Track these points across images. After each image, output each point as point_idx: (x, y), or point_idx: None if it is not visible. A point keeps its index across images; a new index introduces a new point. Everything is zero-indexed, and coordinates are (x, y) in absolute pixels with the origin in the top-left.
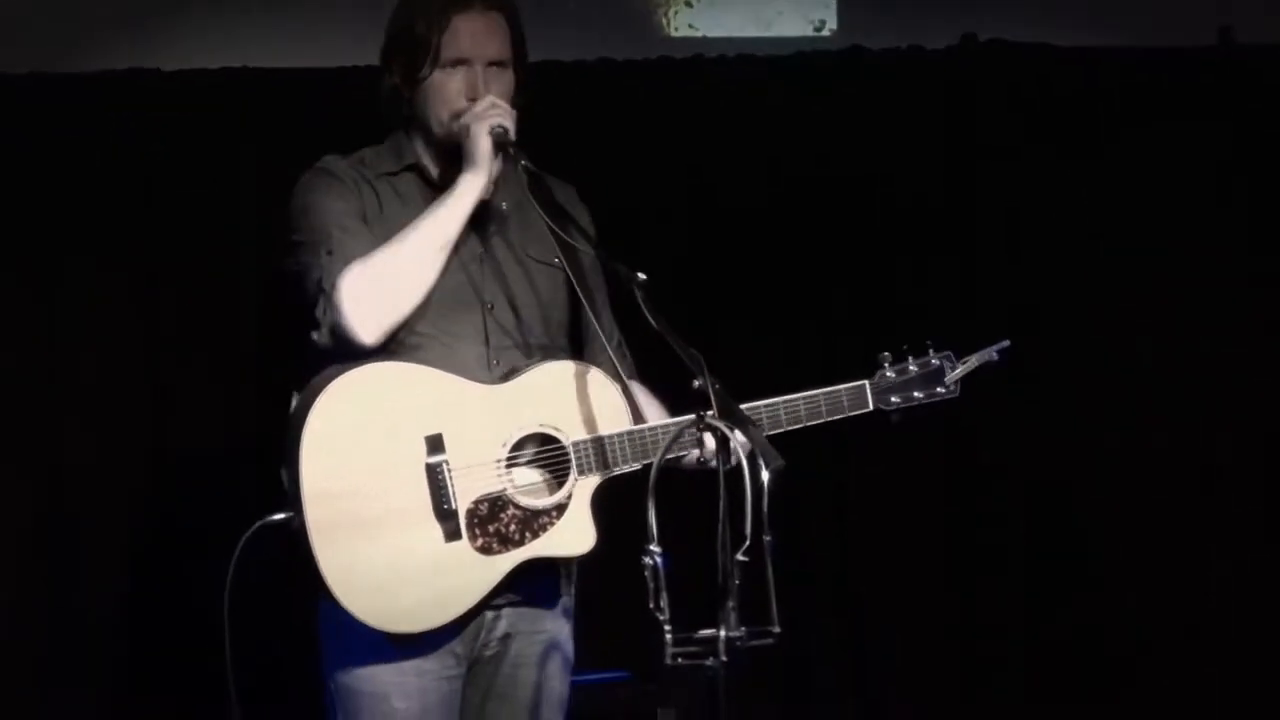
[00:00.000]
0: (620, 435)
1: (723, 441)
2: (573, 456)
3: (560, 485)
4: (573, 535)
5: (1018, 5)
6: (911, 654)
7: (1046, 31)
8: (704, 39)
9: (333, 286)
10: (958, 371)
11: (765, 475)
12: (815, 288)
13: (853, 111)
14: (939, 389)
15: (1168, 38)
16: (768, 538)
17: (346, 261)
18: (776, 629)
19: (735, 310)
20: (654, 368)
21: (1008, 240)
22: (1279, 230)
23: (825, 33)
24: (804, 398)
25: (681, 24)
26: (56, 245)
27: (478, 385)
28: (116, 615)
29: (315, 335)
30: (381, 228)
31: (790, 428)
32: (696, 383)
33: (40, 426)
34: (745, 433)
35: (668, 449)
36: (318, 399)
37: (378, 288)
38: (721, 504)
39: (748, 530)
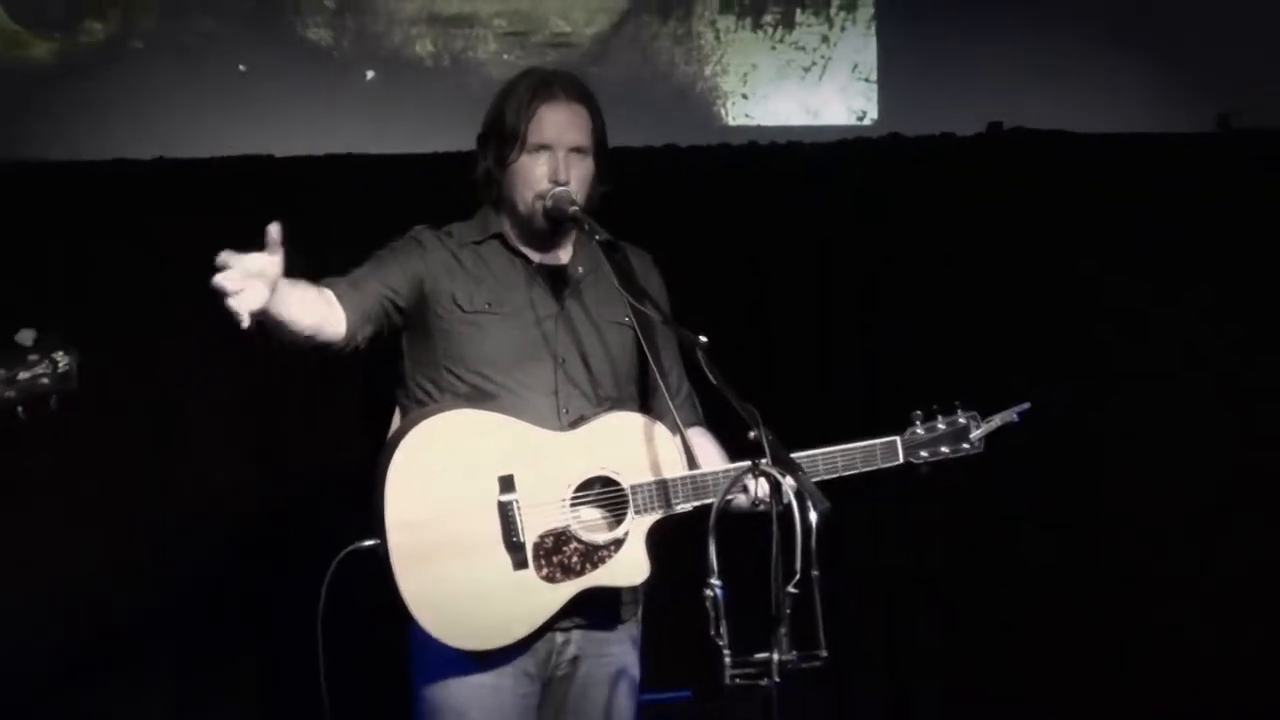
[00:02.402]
0: (675, 480)
1: (775, 486)
2: (630, 497)
3: (619, 523)
4: (628, 568)
5: (1038, 96)
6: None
7: (1064, 119)
8: (758, 127)
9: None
10: (982, 430)
11: (813, 516)
12: (857, 348)
13: (892, 192)
14: (964, 445)
15: (1170, 124)
16: (815, 572)
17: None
18: (824, 652)
19: (785, 367)
20: (716, 417)
21: (1024, 308)
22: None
23: (866, 121)
24: (841, 450)
25: (738, 114)
26: (180, 294)
27: (548, 432)
28: (214, 629)
29: None
30: (461, 284)
31: (827, 477)
32: (752, 433)
33: (169, 445)
34: (795, 479)
35: (727, 490)
36: (404, 439)
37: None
38: (774, 541)
39: (797, 565)
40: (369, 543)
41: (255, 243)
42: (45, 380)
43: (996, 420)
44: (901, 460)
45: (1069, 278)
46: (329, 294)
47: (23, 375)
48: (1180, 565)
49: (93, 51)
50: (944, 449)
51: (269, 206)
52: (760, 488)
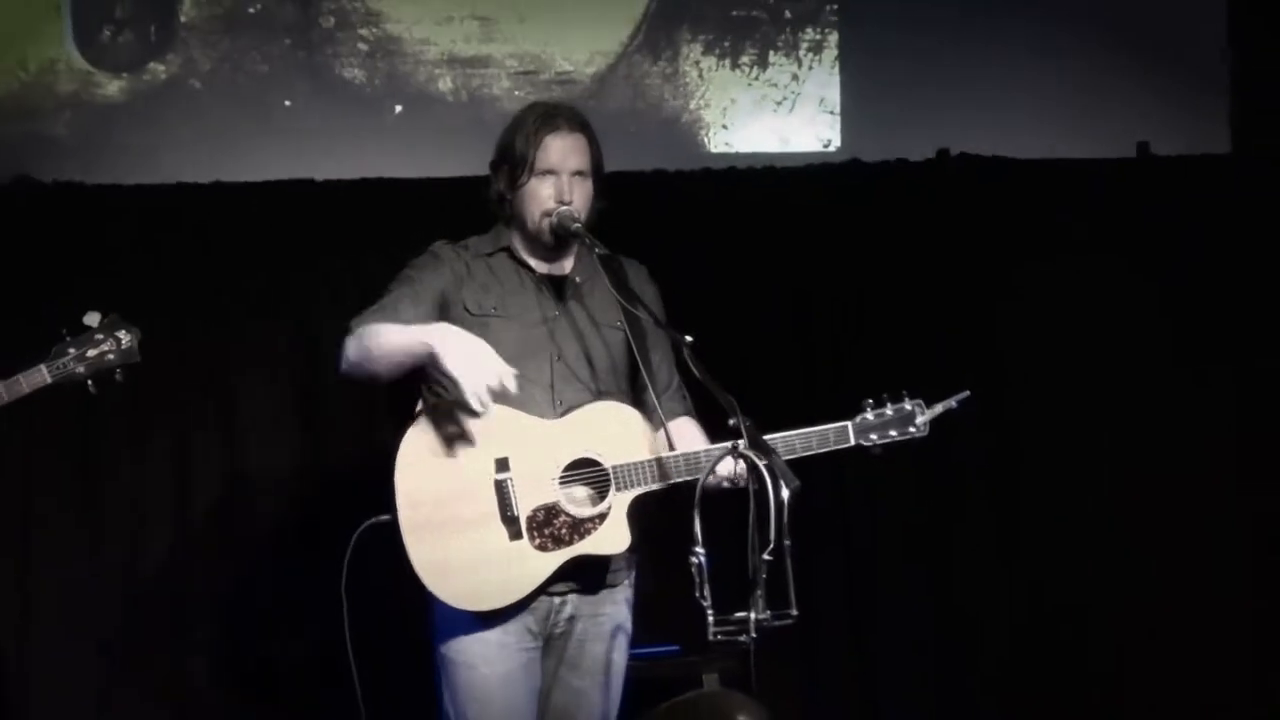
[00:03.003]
0: (651, 461)
1: (752, 466)
2: (611, 476)
3: (602, 498)
4: (611, 538)
5: (982, 125)
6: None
7: (1004, 146)
8: (736, 153)
9: (350, 326)
10: (926, 416)
11: (785, 493)
12: (826, 345)
13: (852, 210)
14: (910, 429)
15: (1096, 150)
16: (787, 542)
17: (373, 316)
18: (794, 612)
19: (761, 362)
20: (704, 410)
21: (973, 314)
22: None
23: (831, 149)
24: (799, 434)
25: (719, 142)
26: (235, 303)
27: (540, 420)
28: (249, 595)
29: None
30: (471, 291)
31: (789, 458)
32: (731, 421)
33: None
34: (769, 461)
35: (710, 470)
36: (413, 427)
37: (353, 354)
38: (751, 515)
39: (771, 536)
40: (383, 517)
41: (295, 251)
42: (111, 356)
43: (939, 407)
44: (853, 443)
45: (1004, 285)
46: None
47: (91, 352)
48: (1127, 537)
49: (157, 89)
50: (892, 433)
51: (312, 223)
52: (738, 468)
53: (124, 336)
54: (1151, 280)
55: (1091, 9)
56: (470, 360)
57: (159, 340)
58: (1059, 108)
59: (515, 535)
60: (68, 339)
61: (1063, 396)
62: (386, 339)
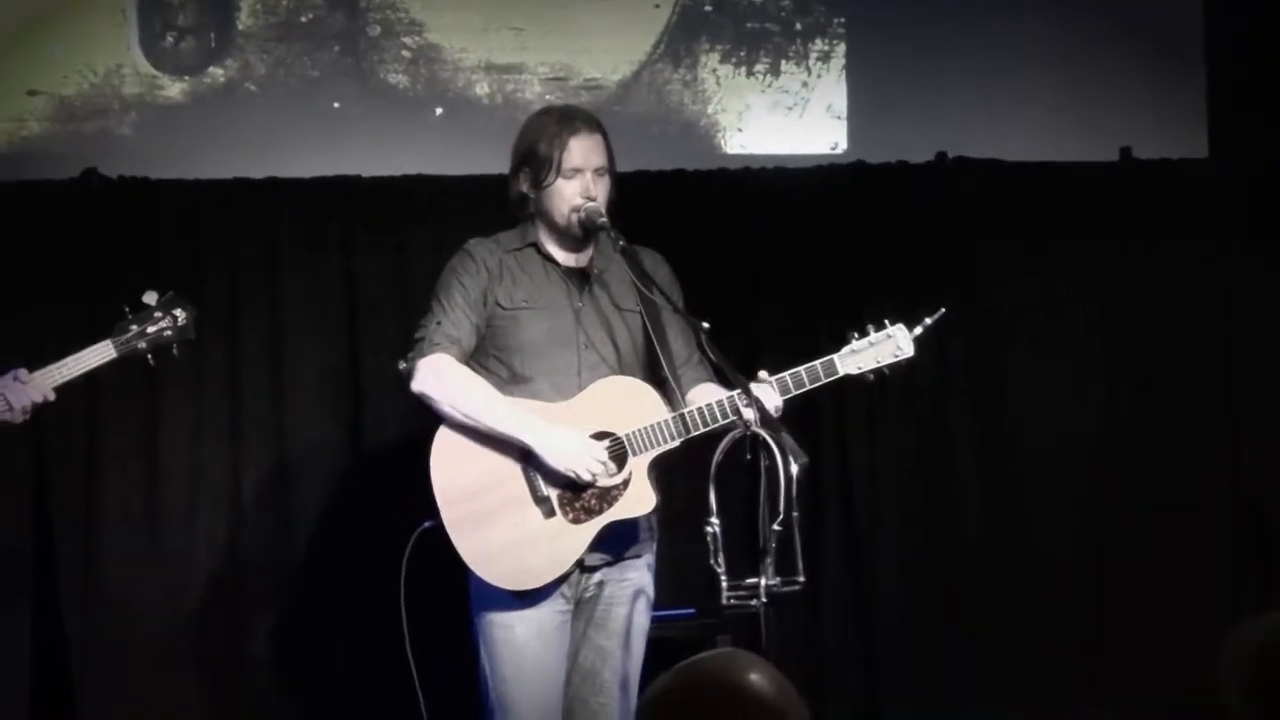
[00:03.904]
0: (659, 423)
1: (763, 444)
2: (626, 444)
3: (621, 466)
4: (637, 500)
5: (979, 129)
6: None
7: (1000, 149)
8: (751, 155)
9: (422, 354)
10: (910, 335)
11: (794, 468)
12: (829, 327)
13: (857, 209)
14: (898, 350)
15: (1081, 154)
16: (795, 513)
17: (443, 339)
18: (801, 578)
19: (772, 345)
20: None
21: (966, 303)
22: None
23: (838, 151)
24: (790, 373)
25: (735, 144)
26: (290, 284)
27: (556, 405)
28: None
29: (401, 362)
30: (503, 286)
31: (785, 396)
32: (744, 400)
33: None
34: (779, 438)
35: (726, 447)
36: (438, 433)
37: (433, 390)
38: (761, 489)
39: (781, 508)
40: (429, 523)
41: (342, 242)
42: (169, 332)
43: (919, 328)
44: (841, 373)
45: (997, 283)
46: (472, 374)
47: (151, 329)
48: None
49: (216, 91)
50: (879, 358)
51: (358, 217)
52: (748, 414)
53: (180, 314)
54: (1134, 277)
55: (1080, 20)
56: (571, 461)
57: (215, 317)
58: (1049, 114)
59: (549, 513)
60: (129, 315)
61: (1055, 391)
62: (479, 410)
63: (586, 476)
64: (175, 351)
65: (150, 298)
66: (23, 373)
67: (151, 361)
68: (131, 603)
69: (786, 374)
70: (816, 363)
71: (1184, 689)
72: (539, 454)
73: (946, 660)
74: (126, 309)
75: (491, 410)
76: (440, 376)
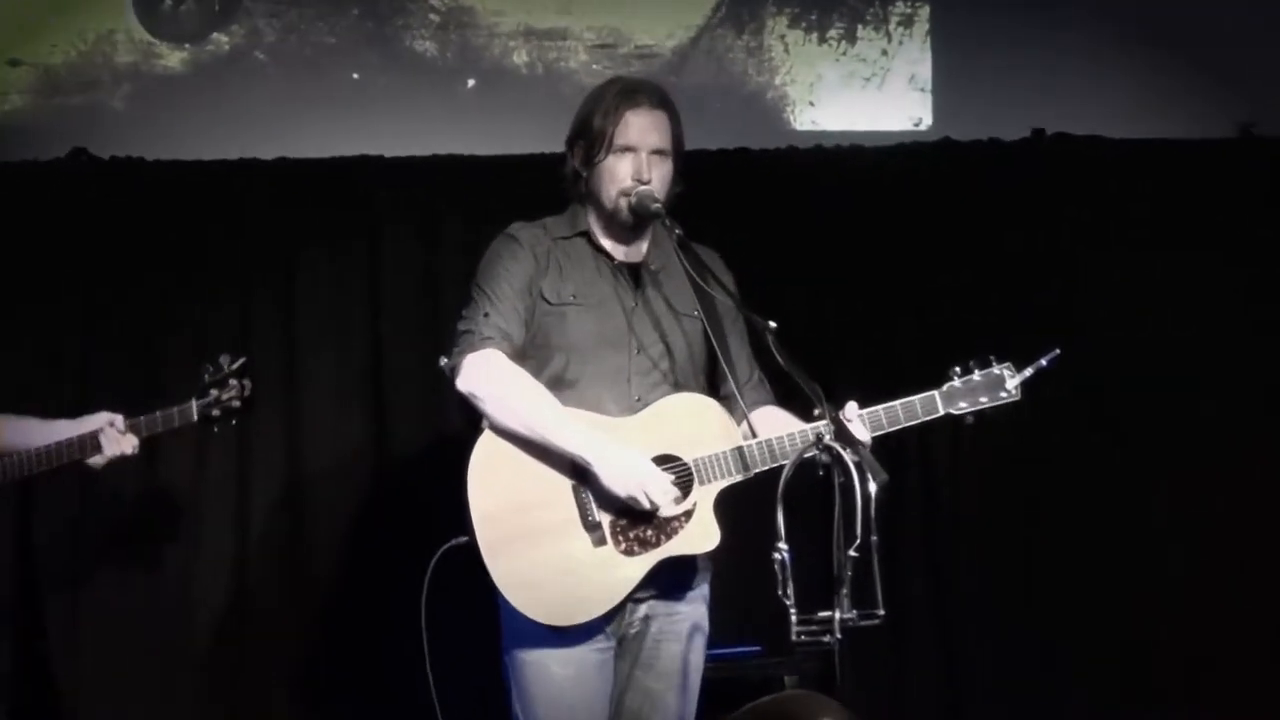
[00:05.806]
0: (732, 450)
1: (838, 459)
2: (694, 471)
3: (686, 495)
4: (700, 535)
5: (1079, 102)
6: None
7: (1102, 125)
8: (823, 132)
9: (471, 348)
10: (1017, 378)
11: (872, 487)
12: (914, 326)
13: (945, 191)
14: (1002, 393)
15: (1196, 130)
16: (874, 538)
17: (494, 332)
18: (881, 611)
19: (845, 348)
20: (787, 398)
21: (1064, 290)
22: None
23: (922, 127)
24: (885, 408)
25: (805, 120)
26: (302, 277)
27: (613, 419)
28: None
29: (443, 358)
30: (550, 278)
31: (877, 433)
32: (817, 411)
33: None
34: (857, 453)
35: (795, 463)
36: (480, 439)
37: (481, 390)
38: (836, 510)
39: (858, 531)
40: (461, 539)
41: (361, 230)
42: (236, 404)
43: (1029, 369)
44: (941, 412)
45: (1100, 267)
46: (527, 375)
47: (225, 397)
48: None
49: (220, 61)
50: (983, 399)
51: (379, 202)
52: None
53: (247, 385)
54: (1249, 264)
55: None
56: (634, 487)
57: (222, 311)
58: (1157, 86)
59: (599, 541)
60: (208, 377)
61: (1156, 384)
62: (534, 417)
63: (648, 505)
64: (234, 422)
65: (225, 362)
66: (120, 420)
67: (216, 430)
68: (131, 625)
69: (880, 408)
70: (915, 399)
71: None
72: (597, 474)
73: (1042, 705)
74: (207, 368)
75: (547, 419)
76: (491, 375)
